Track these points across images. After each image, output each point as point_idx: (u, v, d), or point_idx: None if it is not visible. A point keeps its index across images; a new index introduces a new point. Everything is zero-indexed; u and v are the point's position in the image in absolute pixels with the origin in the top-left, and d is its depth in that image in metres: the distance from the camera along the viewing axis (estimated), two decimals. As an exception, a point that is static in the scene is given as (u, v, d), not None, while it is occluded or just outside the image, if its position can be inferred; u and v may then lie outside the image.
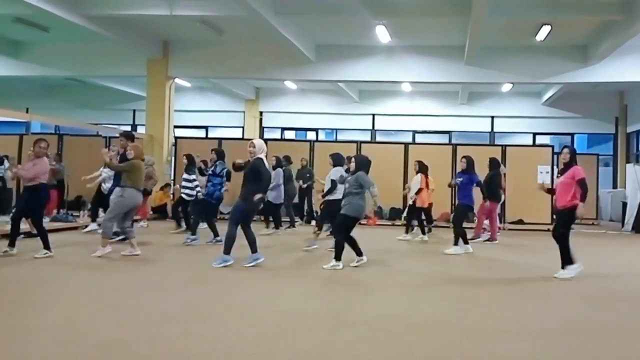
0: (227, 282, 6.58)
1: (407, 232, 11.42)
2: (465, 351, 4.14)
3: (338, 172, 8.96)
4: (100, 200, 10.89)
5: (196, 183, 11.17)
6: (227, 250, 7.34)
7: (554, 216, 7.61)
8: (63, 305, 5.20)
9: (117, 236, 9.00)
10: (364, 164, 7.72)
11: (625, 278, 7.49)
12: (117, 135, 9.55)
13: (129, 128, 21.52)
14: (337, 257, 7.47)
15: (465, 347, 4.25)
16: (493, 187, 10.75)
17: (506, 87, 18.98)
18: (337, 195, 9.11)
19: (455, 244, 9.35)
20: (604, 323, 5.14)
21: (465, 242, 9.44)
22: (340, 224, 7.65)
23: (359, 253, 7.69)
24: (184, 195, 11.54)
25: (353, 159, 7.85)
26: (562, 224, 7.19)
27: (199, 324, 4.64)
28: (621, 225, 15.36)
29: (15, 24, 13.21)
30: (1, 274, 6.80)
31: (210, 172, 9.95)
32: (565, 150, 7.37)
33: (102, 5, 12.14)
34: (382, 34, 13.25)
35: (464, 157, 10.07)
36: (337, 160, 9.39)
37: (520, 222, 14.64)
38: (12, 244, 7.88)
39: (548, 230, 13.86)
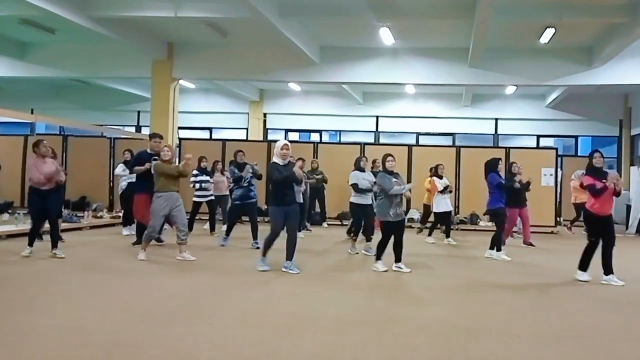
0: (233, 284, 6.59)
1: (448, 235, 11.36)
2: (471, 354, 4.15)
3: (356, 176, 9.31)
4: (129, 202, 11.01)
5: (208, 184, 11.44)
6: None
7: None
8: (69, 306, 5.23)
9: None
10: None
11: (631, 281, 7.47)
12: (154, 137, 9.45)
13: (133, 129, 21.61)
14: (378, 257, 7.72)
15: (471, 349, 4.25)
16: (517, 192, 10.49)
17: (510, 90, 18.95)
18: (365, 200, 9.30)
19: (499, 249, 9.26)
20: (612, 327, 5.14)
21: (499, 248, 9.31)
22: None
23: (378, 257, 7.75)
24: (197, 199, 11.54)
25: (390, 157, 7.85)
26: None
27: (205, 325, 4.65)
28: (625, 227, 15.33)
29: (22, 26, 13.25)
30: (6, 274, 6.83)
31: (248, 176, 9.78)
32: (597, 154, 7.26)
33: (108, 7, 12.18)
34: (386, 36, 13.25)
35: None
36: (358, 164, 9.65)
37: (524, 224, 14.60)
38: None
39: (552, 232, 13.93)
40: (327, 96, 21.15)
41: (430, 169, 11.94)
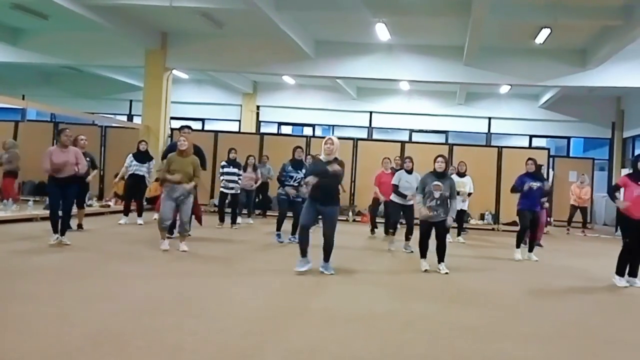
0: (221, 277, 6.57)
1: (459, 234, 11.53)
2: (456, 350, 4.16)
3: (399, 176, 9.36)
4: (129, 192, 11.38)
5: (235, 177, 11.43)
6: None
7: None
8: (56, 295, 5.19)
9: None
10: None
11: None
12: (185, 129, 8.91)
13: (125, 118, 21.49)
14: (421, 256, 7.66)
15: (456, 346, 4.26)
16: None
17: (504, 89, 19.01)
18: (404, 200, 9.32)
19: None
20: (600, 329, 5.17)
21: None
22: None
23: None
24: (224, 190, 11.46)
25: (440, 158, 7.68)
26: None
27: (192, 317, 4.63)
28: (615, 229, 15.43)
29: (14, 11, 13.11)
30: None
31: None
32: None
33: (102, -5, 12.10)
34: (381, 32, 13.23)
35: (531, 159, 9.50)
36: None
37: (514, 223, 14.66)
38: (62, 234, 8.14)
39: (547, 233, 13.96)
40: (321, 90, 21.13)
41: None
